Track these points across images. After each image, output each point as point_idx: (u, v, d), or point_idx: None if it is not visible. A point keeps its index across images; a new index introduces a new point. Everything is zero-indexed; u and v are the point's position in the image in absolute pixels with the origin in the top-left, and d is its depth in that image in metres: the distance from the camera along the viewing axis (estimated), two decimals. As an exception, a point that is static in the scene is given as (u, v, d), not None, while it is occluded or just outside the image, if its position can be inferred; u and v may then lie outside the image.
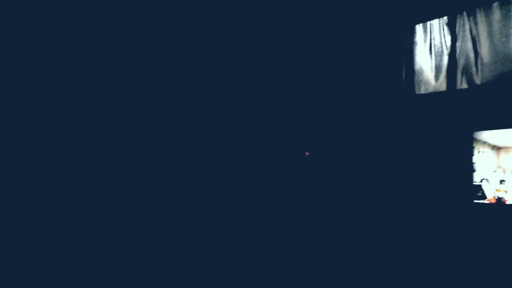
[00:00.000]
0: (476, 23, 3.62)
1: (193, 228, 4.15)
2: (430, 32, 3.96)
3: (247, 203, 4.50)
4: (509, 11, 3.42)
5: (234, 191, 4.47)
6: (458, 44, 3.74)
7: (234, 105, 4.55)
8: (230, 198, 4.44)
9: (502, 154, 3.27)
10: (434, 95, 3.93)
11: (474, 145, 3.49)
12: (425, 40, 4.00)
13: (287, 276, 3.49)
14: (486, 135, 3.41)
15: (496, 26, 3.51)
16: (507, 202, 3.29)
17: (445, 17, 3.83)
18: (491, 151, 3.36)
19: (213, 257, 3.98)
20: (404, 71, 4.12)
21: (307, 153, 4.73)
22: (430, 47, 3.96)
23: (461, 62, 3.73)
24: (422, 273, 3.17)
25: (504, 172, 3.26)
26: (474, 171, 3.49)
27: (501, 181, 3.31)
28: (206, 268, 3.91)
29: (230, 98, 4.56)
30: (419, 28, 4.04)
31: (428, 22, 3.96)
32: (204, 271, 3.87)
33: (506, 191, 3.30)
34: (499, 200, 3.33)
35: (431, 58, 3.95)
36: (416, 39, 4.06)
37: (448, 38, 3.81)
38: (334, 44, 4.61)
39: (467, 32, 3.68)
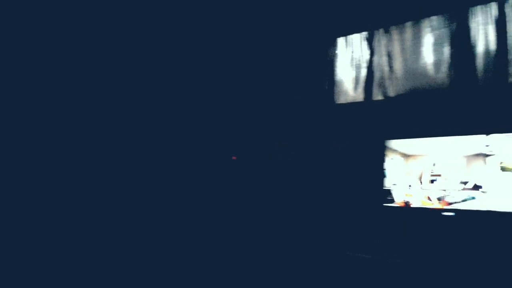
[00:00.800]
0: (391, 40, 3.92)
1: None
2: (351, 45, 4.21)
3: (173, 207, 4.31)
4: (419, 31, 3.76)
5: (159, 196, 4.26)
6: (375, 58, 4.01)
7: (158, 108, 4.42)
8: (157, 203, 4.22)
9: (410, 161, 3.48)
10: (353, 105, 4.14)
11: (386, 152, 3.70)
12: (345, 53, 4.24)
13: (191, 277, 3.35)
14: (397, 144, 3.63)
15: (408, 44, 3.83)
16: (412, 205, 3.49)
17: (364, 33, 4.10)
18: (401, 158, 3.56)
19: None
20: (326, 81, 4.30)
21: (234, 157, 4.70)
22: (351, 60, 4.20)
23: (377, 75, 3.99)
24: (337, 271, 3.22)
25: (411, 177, 3.46)
26: (385, 176, 3.67)
27: (409, 186, 3.50)
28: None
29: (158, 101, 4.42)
30: (340, 41, 4.28)
31: (349, 36, 4.22)
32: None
33: (412, 195, 3.51)
34: (407, 203, 3.52)
35: (351, 70, 4.18)
36: (337, 52, 4.29)
37: (367, 52, 4.07)
38: (263, 53, 4.71)
39: (383, 48, 3.96)
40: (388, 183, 3.69)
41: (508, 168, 3.11)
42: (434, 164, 3.47)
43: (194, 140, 4.66)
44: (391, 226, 3.65)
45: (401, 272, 3.11)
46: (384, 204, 3.68)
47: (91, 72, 4.01)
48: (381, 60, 3.96)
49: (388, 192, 3.68)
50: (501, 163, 3.14)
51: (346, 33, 4.22)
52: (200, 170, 4.62)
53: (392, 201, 3.64)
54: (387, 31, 3.94)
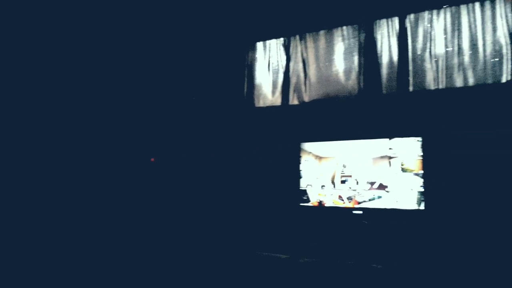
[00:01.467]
0: (306, 47, 4.08)
1: None
2: (269, 50, 4.30)
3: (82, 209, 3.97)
4: (332, 40, 3.96)
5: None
6: (291, 64, 4.14)
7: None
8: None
9: (323, 162, 3.63)
10: (271, 109, 4.22)
11: (301, 154, 3.83)
12: (264, 57, 4.32)
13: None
14: (311, 146, 3.77)
15: (322, 51, 4.02)
16: (325, 205, 3.65)
17: (282, 38, 4.22)
18: (315, 160, 3.70)
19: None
20: (246, 85, 4.34)
21: (152, 159, 4.51)
22: (269, 64, 4.28)
23: (293, 81, 4.12)
24: (252, 271, 3.23)
25: (325, 178, 3.61)
26: (301, 177, 3.79)
27: (322, 186, 3.65)
28: None
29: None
30: (259, 45, 4.35)
31: (268, 41, 4.31)
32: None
33: (325, 195, 3.67)
34: (320, 203, 3.67)
35: (269, 74, 4.27)
36: (257, 56, 4.35)
37: (284, 57, 4.19)
38: (182, 55, 4.60)
39: (299, 54, 4.11)
40: (303, 184, 3.82)
41: (409, 169, 3.40)
42: (344, 166, 3.67)
43: (108, 141, 4.38)
44: (307, 225, 3.78)
45: (317, 270, 3.22)
46: (301, 204, 3.79)
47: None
48: (297, 66, 4.10)
49: (304, 192, 3.81)
50: (402, 164, 3.42)
51: (264, 38, 4.30)
52: (114, 171, 4.36)
53: (308, 200, 3.77)
54: (302, 38, 4.09)
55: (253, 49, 4.37)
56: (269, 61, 4.29)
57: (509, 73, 3.20)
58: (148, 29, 4.51)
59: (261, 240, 3.93)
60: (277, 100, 4.20)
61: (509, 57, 3.21)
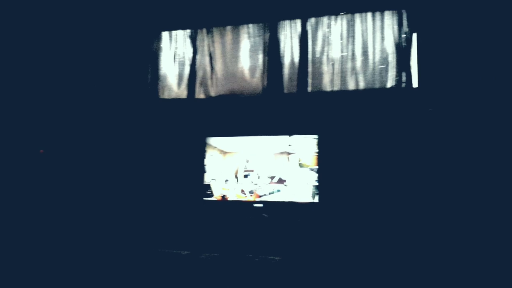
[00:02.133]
0: (213, 41, 4.06)
1: None
2: (175, 41, 4.20)
3: None
4: (238, 37, 4.00)
5: None
6: (198, 57, 4.10)
7: None
8: None
9: (228, 157, 3.68)
10: (176, 101, 4.15)
11: (206, 149, 3.85)
12: (170, 48, 4.21)
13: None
14: (216, 141, 3.80)
15: (228, 47, 4.04)
16: (229, 199, 3.73)
17: (188, 30, 4.14)
18: (219, 155, 3.74)
19: None
20: (149, 75, 4.19)
21: (41, 151, 4.15)
22: (174, 56, 4.18)
23: (199, 74, 4.09)
24: (155, 268, 3.19)
25: (228, 173, 3.67)
26: (205, 172, 3.81)
27: (226, 181, 3.71)
28: None
29: None
30: (165, 35, 4.22)
31: (174, 32, 4.20)
32: None
33: (229, 189, 3.75)
34: (224, 197, 3.74)
35: (175, 66, 4.18)
36: (162, 46, 4.22)
37: (190, 50, 4.13)
38: (80, 41, 4.27)
39: (206, 48, 4.08)
40: (208, 179, 3.85)
41: (305, 165, 3.62)
42: (247, 161, 3.77)
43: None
44: (210, 220, 3.83)
45: (217, 264, 3.29)
46: (204, 198, 3.82)
47: None
48: (203, 59, 4.07)
49: (208, 186, 3.84)
50: (299, 160, 3.63)
51: (170, 28, 4.18)
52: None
53: (211, 195, 3.82)
54: (209, 32, 4.07)
55: (158, 38, 4.23)
56: (175, 52, 4.20)
57: (394, 79, 3.55)
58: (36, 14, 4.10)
59: (163, 237, 3.89)
60: (182, 92, 4.14)
61: (394, 65, 3.56)
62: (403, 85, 3.49)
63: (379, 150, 3.54)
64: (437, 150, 3.38)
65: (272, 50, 3.86)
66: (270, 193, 3.70)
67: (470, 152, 3.29)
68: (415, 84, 3.49)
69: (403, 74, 3.50)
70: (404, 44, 3.52)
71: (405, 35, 3.53)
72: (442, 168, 3.35)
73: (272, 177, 3.71)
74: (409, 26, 3.53)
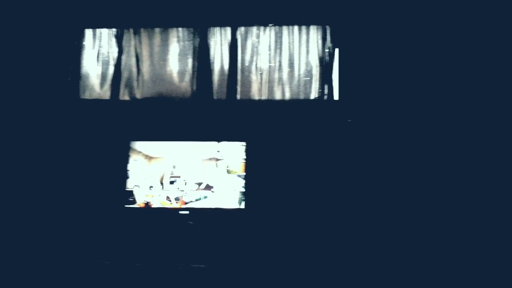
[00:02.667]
0: (140, 42, 3.93)
1: None
2: (99, 39, 3.99)
3: None
4: (168, 39, 3.92)
5: None
6: (123, 57, 3.94)
7: None
8: None
9: (153, 162, 3.58)
10: (98, 102, 3.93)
11: (130, 153, 3.70)
12: (93, 46, 3.99)
13: None
14: (141, 145, 3.68)
15: (157, 49, 3.94)
16: (153, 206, 3.62)
17: (114, 29, 3.97)
18: (144, 160, 3.62)
19: None
20: (70, 73, 3.93)
21: None
22: (98, 55, 3.97)
23: (125, 75, 3.93)
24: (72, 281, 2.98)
25: (153, 179, 3.57)
26: (128, 177, 3.66)
27: (150, 187, 3.60)
28: None
29: None
30: (88, 33, 3.99)
31: (98, 30, 3.99)
32: None
33: (153, 196, 3.64)
34: (147, 204, 3.62)
35: (98, 65, 3.97)
36: (85, 43, 3.99)
37: (115, 49, 3.95)
38: None
39: (132, 48, 3.94)
40: (130, 184, 3.69)
41: (233, 171, 3.65)
42: (174, 166, 3.70)
43: None
44: (132, 228, 3.68)
45: (142, 275, 3.18)
46: (126, 206, 3.66)
47: None
48: (129, 60, 3.93)
49: (131, 193, 3.69)
50: (227, 166, 3.66)
51: (95, 25, 3.96)
52: None
53: (134, 202, 3.67)
54: (137, 33, 3.94)
55: (81, 35, 3.98)
56: (99, 51, 3.99)
57: (317, 91, 3.75)
58: None
59: (80, 246, 3.65)
60: (105, 93, 3.94)
61: (318, 78, 3.77)
62: (325, 97, 3.71)
63: (303, 158, 3.71)
64: (355, 159, 3.64)
65: (202, 56, 3.85)
66: (196, 200, 3.67)
67: (383, 160, 3.60)
68: (336, 96, 3.73)
69: (326, 87, 3.72)
70: (327, 58, 3.75)
71: (328, 50, 3.76)
72: (359, 175, 3.61)
73: (200, 184, 3.68)
74: (332, 41, 3.76)
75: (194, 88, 3.82)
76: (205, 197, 3.65)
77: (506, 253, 3.25)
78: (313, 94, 3.76)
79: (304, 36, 3.82)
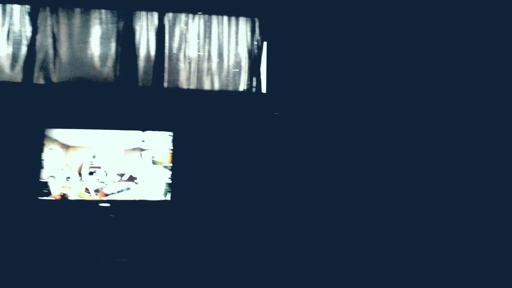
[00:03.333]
0: (58, 22, 3.65)
1: None
2: (10, 16, 3.63)
3: None
4: (89, 21, 3.68)
5: None
6: (38, 37, 3.63)
7: None
8: None
9: (70, 152, 3.36)
10: (8, 85, 3.59)
11: (45, 142, 3.42)
12: (3, 24, 3.61)
13: None
14: (58, 133, 3.42)
15: (76, 30, 3.68)
16: (70, 198, 3.40)
17: (28, 6, 3.63)
18: (61, 149, 3.38)
19: None
20: (-26, 52, 3.53)
21: None
22: (8, 33, 3.62)
23: (40, 57, 3.62)
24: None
25: (71, 169, 3.35)
26: (42, 168, 3.39)
27: (67, 178, 3.38)
28: None
29: None
30: (-4, 8, 3.61)
31: (9, 5, 3.62)
32: None
33: (70, 188, 3.41)
34: (63, 196, 3.39)
35: (8, 44, 3.61)
36: (-8, 20, 3.60)
37: (29, 28, 3.62)
38: None
39: (49, 28, 3.64)
40: (45, 175, 3.43)
41: (159, 162, 3.55)
42: (94, 156, 3.50)
43: None
44: (46, 221, 3.42)
45: (58, 269, 2.97)
46: (40, 198, 3.40)
47: None
48: (45, 41, 3.62)
49: (45, 184, 3.43)
50: (153, 157, 3.54)
51: (5, 0, 3.59)
52: None
53: (49, 194, 3.42)
54: (54, 12, 3.64)
55: (-13, 10, 3.58)
56: (9, 28, 3.62)
57: (246, 83, 3.76)
58: None
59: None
60: (17, 76, 3.60)
61: (247, 70, 3.78)
62: (254, 89, 3.74)
63: (230, 150, 3.71)
64: (282, 151, 3.72)
65: (126, 40, 3.67)
66: (118, 192, 3.51)
67: (308, 153, 3.72)
68: (263, 89, 3.77)
69: (254, 79, 3.74)
70: (255, 51, 3.77)
71: (257, 43, 3.79)
72: (284, 167, 3.70)
73: (122, 175, 3.53)
74: (260, 34, 3.79)
75: (117, 73, 3.63)
76: (128, 188, 3.51)
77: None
78: (242, 86, 3.77)
79: (233, 27, 3.80)
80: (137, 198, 3.49)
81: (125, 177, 3.52)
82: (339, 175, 3.67)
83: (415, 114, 3.73)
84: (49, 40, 3.63)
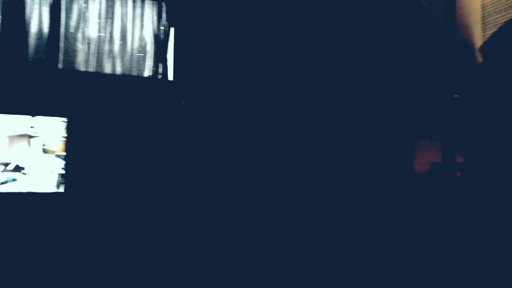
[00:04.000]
0: None
1: None
2: None
3: None
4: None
5: None
6: None
7: None
8: None
9: None
10: None
11: None
12: None
13: None
14: None
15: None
16: None
17: None
18: None
19: None
20: None
21: None
22: None
23: None
24: None
25: None
26: None
27: None
28: None
29: None
30: None
31: None
32: None
33: None
34: None
35: None
36: None
37: None
38: None
39: None
40: None
41: (50, 151, 3.25)
42: (-29, 143, 3.09)
43: None
44: None
45: None
46: None
47: None
48: None
49: None
50: (44, 145, 3.23)
51: None
52: None
53: None
54: None
55: None
56: None
57: (151, 69, 3.61)
58: None
59: None
60: None
61: (152, 55, 3.62)
62: (160, 76, 3.60)
63: (133, 138, 3.54)
64: (189, 142, 3.65)
65: (14, 14, 3.27)
66: (2, 183, 3.15)
67: (217, 144, 3.71)
68: (170, 77, 3.65)
69: (160, 66, 3.60)
70: (162, 36, 3.63)
71: (164, 28, 3.64)
72: (188, 156, 3.64)
73: (7, 164, 3.17)
74: (168, 19, 3.65)
75: (2, 51, 3.23)
76: (14, 179, 3.17)
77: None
78: (147, 72, 3.61)
79: (138, 10, 3.61)
80: (24, 190, 3.16)
81: (10, 167, 3.17)
82: (241, 162, 3.73)
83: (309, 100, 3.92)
84: None
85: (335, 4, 4.02)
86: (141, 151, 3.54)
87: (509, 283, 2.95)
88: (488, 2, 4.26)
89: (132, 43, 3.57)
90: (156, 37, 3.62)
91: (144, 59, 3.60)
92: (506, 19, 3.99)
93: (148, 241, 3.38)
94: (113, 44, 3.53)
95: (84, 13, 3.48)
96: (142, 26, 3.59)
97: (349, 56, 4.06)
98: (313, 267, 3.61)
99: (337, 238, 3.79)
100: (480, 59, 4.24)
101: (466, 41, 4.46)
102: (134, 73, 3.57)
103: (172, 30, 3.66)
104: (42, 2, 3.38)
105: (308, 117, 3.90)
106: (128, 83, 3.54)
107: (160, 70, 3.60)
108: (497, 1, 4.06)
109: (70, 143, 3.30)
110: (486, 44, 4.17)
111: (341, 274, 3.49)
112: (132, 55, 3.57)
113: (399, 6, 4.12)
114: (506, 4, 4.12)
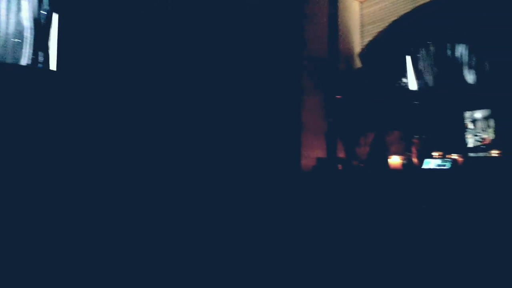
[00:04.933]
0: None
1: None
2: None
3: None
4: None
5: None
6: None
7: None
8: None
9: None
10: None
11: None
12: None
13: None
14: None
15: None
16: None
17: None
18: None
19: None
20: None
21: None
22: None
23: None
24: None
25: None
26: None
27: None
28: None
29: None
30: None
31: None
32: None
33: None
34: None
35: None
36: None
37: None
38: None
39: None
40: None
41: None
42: None
43: None
44: None
45: None
46: None
47: None
48: None
49: None
50: None
51: None
52: None
53: None
54: None
55: None
56: None
57: (30, 57, 3.30)
58: None
59: None
60: None
61: (31, 42, 3.31)
62: (40, 65, 3.32)
63: (11, 131, 3.21)
64: (68, 133, 3.43)
65: None
66: None
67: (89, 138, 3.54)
68: (53, 66, 3.39)
69: (40, 54, 3.32)
70: (43, 22, 3.35)
71: (46, 13, 3.37)
72: (75, 148, 3.43)
73: None
74: (50, 4, 3.39)
75: None
76: None
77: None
78: (25, 60, 3.29)
79: (15, -9, 3.28)
80: None
81: None
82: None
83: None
84: None
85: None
86: (16, 146, 3.23)
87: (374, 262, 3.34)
88: (365, 13, 4.77)
89: (7, 28, 3.24)
90: (37, 22, 3.32)
91: (21, 45, 3.28)
92: (379, 30, 4.52)
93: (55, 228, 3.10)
94: (-16, 27, 3.16)
95: None
96: (19, 9, 3.28)
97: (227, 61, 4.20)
98: (193, 262, 3.65)
99: (223, 231, 3.89)
100: (359, 64, 4.74)
101: (348, 48, 4.93)
102: (9, 60, 3.24)
103: (55, 16, 3.40)
104: None
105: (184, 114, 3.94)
106: (1, 71, 3.19)
107: (41, 58, 3.32)
108: (372, 13, 4.58)
109: None
110: (363, 51, 4.66)
111: (225, 268, 3.59)
112: (6, 41, 3.23)
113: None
114: (380, 16, 4.65)
